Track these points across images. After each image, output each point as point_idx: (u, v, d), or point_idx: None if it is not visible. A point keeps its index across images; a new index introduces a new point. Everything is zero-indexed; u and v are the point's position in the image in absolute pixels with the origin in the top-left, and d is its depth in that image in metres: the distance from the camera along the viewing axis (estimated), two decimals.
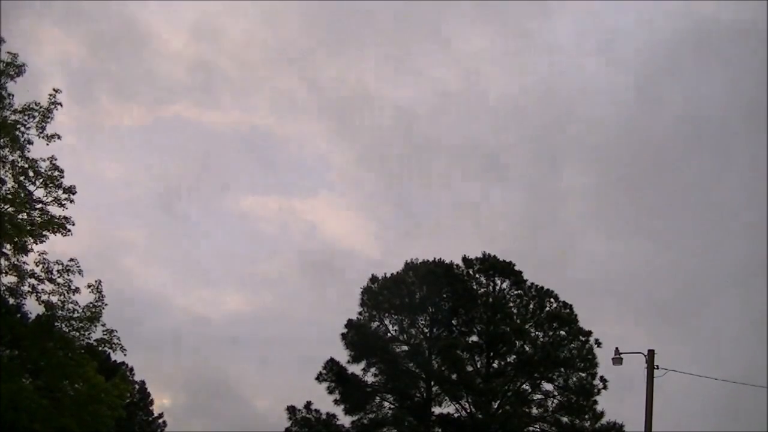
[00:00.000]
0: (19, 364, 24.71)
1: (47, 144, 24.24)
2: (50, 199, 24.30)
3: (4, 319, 24.52)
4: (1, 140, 23.70)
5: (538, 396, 42.75)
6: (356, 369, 42.69)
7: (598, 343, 42.20)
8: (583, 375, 42.04)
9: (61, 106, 24.40)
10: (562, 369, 42.09)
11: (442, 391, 42.26)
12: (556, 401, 42.39)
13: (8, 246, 23.81)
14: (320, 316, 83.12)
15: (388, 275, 44.18)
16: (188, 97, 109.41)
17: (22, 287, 24.36)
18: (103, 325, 24.94)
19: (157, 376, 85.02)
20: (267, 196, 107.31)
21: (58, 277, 24.38)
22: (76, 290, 24.62)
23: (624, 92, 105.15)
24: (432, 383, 42.41)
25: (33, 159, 24.12)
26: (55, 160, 24.39)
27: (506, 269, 44.04)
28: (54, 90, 24.47)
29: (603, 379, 41.79)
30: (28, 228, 23.74)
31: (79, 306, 24.68)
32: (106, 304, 25.00)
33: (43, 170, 24.17)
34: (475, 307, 43.58)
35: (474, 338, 43.52)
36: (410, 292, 43.41)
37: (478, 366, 42.87)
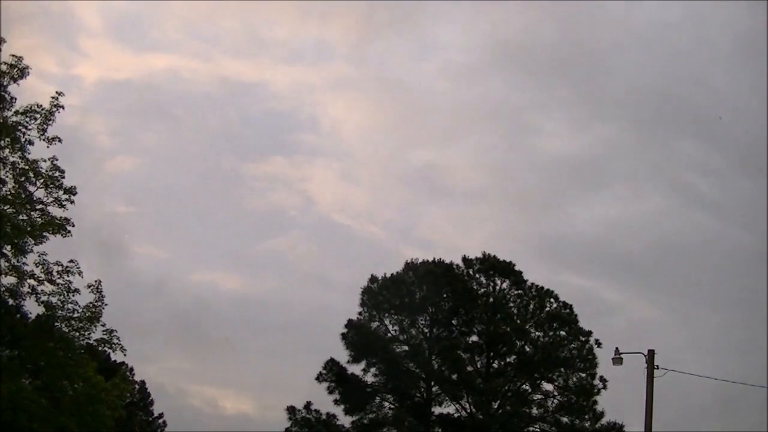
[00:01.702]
0: (19, 364, 24.68)
1: (48, 146, 24.28)
2: (51, 199, 24.31)
3: (4, 320, 24.51)
4: (2, 141, 23.71)
5: (538, 396, 42.86)
6: (356, 369, 42.86)
7: (598, 343, 42.39)
8: (583, 375, 42.11)
9: (63, 108, 24.44)
10: (562, 369, 42.19)
11: (442, 391, 42.32)
12: (556, 401, 42.48)
13: (8, 247, 23.81)
14: None
15: (388, 275, 44.25)
16: None
17: (21, 288, 24.35)
18: (103, 325, 24.94)
19: None
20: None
21: (58, 277, 24.36)
22: (76, 290, 24.62)
23: None
24: (432, 383, 42.48)
25: (33, 160, 24.14)
26: (56, 160, 24.41)
27: (506, 269, 44.10)
28: (57, 93, 24.53)
29: (603, 379, 41.91)
30: (28, 229, 23.75)
31: (79, 306, 24.66)
32: (106, 304, 25.01)
33: (43, 171, 24.19)
34: (475, 307, 43.64)
35: (474, 338, 43.63)
36: (410, 292, 43.46)
37: (478, 366, 42.94)
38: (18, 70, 24.02)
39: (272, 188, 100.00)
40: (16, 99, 24.12)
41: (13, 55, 24.02)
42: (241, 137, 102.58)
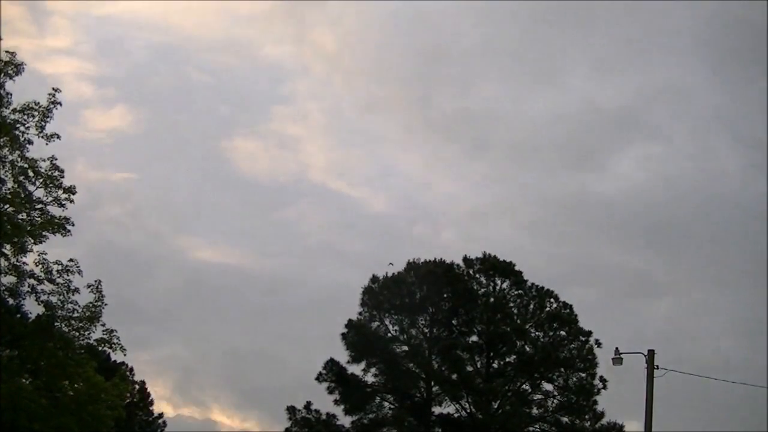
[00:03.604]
0: (18, 364, 24.66)
1: (47, 144, 24.23)
2: (50, 199, 24.25)
3: (4, 319, 24.46)
4: (1, 140, 23.63)
5: (538, 396, 42.84)
6: (356, 369, 42.83)
7: (598, 343, 42.39)
8: (583, 375, 42.09)
9: (60, 105, 24.38)
10: (562, 369, 42.17)
11: (442, 391, 42.28)
12: (556, 401, 42.46)
13: (8, 246, 23.74)
14: None
15: (389, 275, 44.20)
16: None
17: (21, 287, 24.30)
18: (103, 325, 24.91)
19: None
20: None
21: (58, 277, 24.33)
22: (76, 290, 24.56)
23: None
24: (432, 383, 42.43)
25: (33, 159, 24.07)
26: (55, 159, 24.35)
27: (506, 269, 44.09)
28: (53, 89, 24.47)
29: (603, 379, 41.89)
30: (28, 228, 23.67)
31: (79, 306, 24.62)
32: (105, 304, 24.97)
33: (43, 170, 24.13)
34: (476, 307, 43.61)
35: (474, 338, 43.60)
36: (410, 292, 43.43)
37: (478, 366, 42.91)
38: (14, 67, 23.94)
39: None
40: (11, 95, 24.09)
41: (7, 51, 23.97)
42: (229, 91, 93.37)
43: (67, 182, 24.40)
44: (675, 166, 76.99)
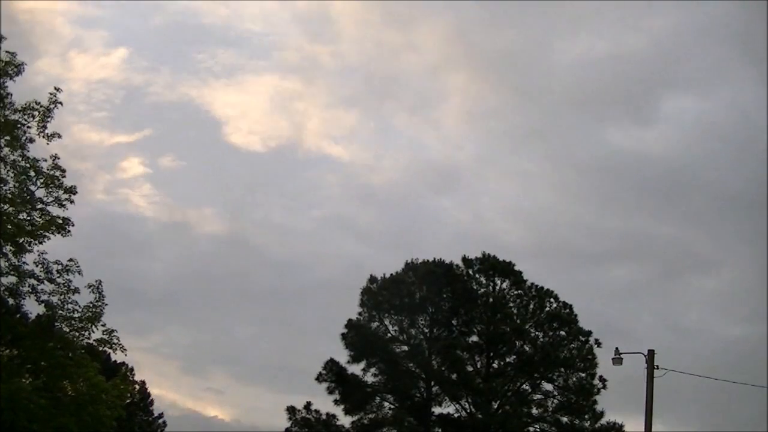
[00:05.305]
0: (18, 364, 24.61)
1: (48, 143, 24.19)
2: (51, 199, 24.20)
3: (4, 319, 24.42)
4: (2, 140, 23.60)
5: (538, 396, 42.90)
6: (356, 369, 42.85)
7: (598, 343, 42.47)
8: (583, 375, 42.13)
9: (62, 104, 24.36)
10: (562, 369, 42.21)
11: (442, 391, 42.29)
12: (556, 401, 42.51)
13: (8, 246, 23.69)
14: None
15: (388, 275, 44.22)
16: None
17: (21, 287, 24.24)
18: (104, 325, 24.87)
19: None
20: None
21: (58, 277, 24.27)
22: (76, 290, 24.52)
23: None
24: (432, 383, 42.44)
25: (34, 158, 24.04)
26: (57, 158, 24.32)
27: (506, 269, 44.14)
28: (55, 89, 24.45)
29: (603, 379, 41.93)
30: (29, 228, 23.63)
31: (79, 306, 24.57)
32: (106, 304, 24.92)
33: (44, 170, 24.10)
34: (475, 307, 43.65)
35: (474, 338, 43.65)
36: (410, 292, 43.44)
37: (478, 366, 42.94)
38: (14, 67, 23.91)
39: None
40: (12, 95, 24.05)
41: (8, 52, 23.94)
42: None
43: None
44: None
